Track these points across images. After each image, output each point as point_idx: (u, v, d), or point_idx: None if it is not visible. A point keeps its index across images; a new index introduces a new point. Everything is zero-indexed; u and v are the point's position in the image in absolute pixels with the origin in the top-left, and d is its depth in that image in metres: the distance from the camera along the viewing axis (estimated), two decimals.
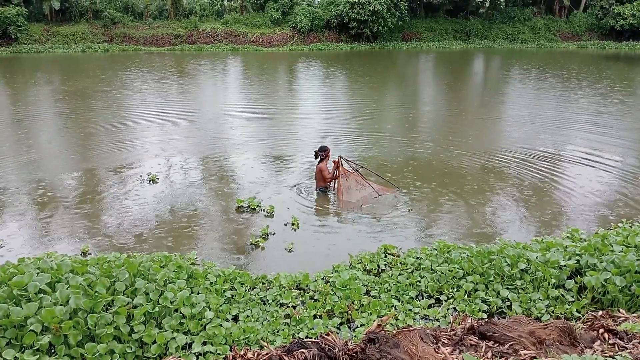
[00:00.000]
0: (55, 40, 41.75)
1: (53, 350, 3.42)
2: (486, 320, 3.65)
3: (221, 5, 49.30)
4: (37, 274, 3.90)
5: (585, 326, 3.60)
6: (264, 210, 7.51)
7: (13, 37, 39.71)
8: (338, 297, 4.61)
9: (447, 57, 39.58)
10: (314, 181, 8.44)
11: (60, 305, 3.57)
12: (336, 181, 8.00)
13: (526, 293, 4.54)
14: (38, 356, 3.27)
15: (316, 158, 8.20)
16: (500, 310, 4.49)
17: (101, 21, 43.78)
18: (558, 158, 10.46)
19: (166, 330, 3.81)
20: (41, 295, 3.67)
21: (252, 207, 7.57)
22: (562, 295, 4.46)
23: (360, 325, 4.25)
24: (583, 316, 4.13)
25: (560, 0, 54.26)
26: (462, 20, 53.01)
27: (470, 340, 3.08)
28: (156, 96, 18.98)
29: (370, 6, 43.17)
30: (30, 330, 3.35)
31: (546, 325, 3.19)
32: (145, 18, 46.22)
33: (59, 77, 25.27)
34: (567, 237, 5.90)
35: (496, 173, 9.36)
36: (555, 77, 25.11)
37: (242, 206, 7.66)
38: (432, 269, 5.10)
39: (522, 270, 4.74)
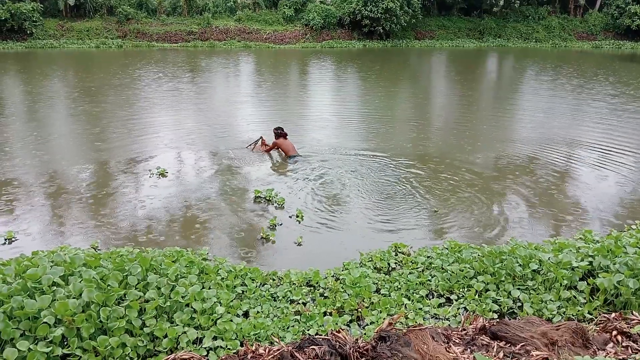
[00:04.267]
0: (70, 35, 42.06)
1: (66, 343, 3.45)
2: (498, 320, 3.63)
3: (234, 2, 49.35)
4: (51, 267, 3.94)
5: (598, 328, 3.57)
6: (276, 202, 7.59)
7: (28, 32, 40.06)
8: (348, 294, 4.61)
9: (461, 55, 39.34)
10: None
11: (73, 298, 3.61)
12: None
13: (538, 294, 4.50)
14: (51, 348, 3.31)
15: (277, 137, 10.22)
16: (511, 310, 4.46)
17: (115, 17, 44.05)
18: (572, 157, 10.36)
19: (177, 325, 3.83)
20: (55, 288, 3.72)
21: (268, 198, 7.67)
22: (574, 296, 4.42)
23: (370, 323, 4.24)
24: (595, 318, 4.09)
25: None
26: (475, 18, 52.66)
27: (482, 340, 3.07)
28: (168, 91, 19.07)
29: (383, 4, 43.02)
30: (44, 322, 3.39)
31: (558, 326, 3.17)
32: (158, 14, 46.43)
33: (73, 72, 25.47)
34: (580, 238, 5.85)
35: (509, 171, 9.30)
36: (570, 76, 24.87)
37: (259, 197, 7.77)
38: (442, 268, 5.09)
39: (533, 270, 4.70)
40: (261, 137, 10.70)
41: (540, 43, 49.45)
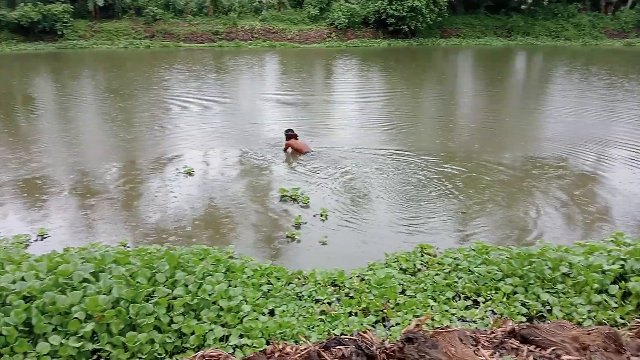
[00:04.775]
0: (99, 36, 42.84)
1: (96, 338, 3.52)
2: (528, 324, 3.57)
3: (259, 2, 49.58)
4: (82, 263, 4.03)
5: (632, 333, 3.48)
6: (301, 201, 7.61)
7: (59, 33, 40.98)
8: (373, 295, 4.59)
9: (488, 54, 38.81)
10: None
11: (104, 294, 3.68)
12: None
13: (567, 297, 4.41)
14: (82, 343, 3.38)
15: (288, 139, 10.55)
16: (540, 314, 4.39)
17: (143, 18, 44.69)
18: (604, 156, 10.12)
19: (204, 322, 3.87)
20: (85, 284, 3.79)
21: (294, 197, 7.69)
22: (605, 300, 4.32)
23: (396, 324, 4.22)
24: (628, 323, 3.99)
25: None
26: (503, 16, 51.79)
27: (511, 343, 3.02)
28: (195, 90, 19.28)
29: (408, 2, 42.69)
30: (75, 317, 3.46)
31: (590, 331, 3.10)
32: (185, 15, 46.95)
33: (102, 72, 25.96)
34: (611, 240, 5.72)
35: (538, 171, 9.12)
36: (602, 74, 24.33)
37: (285, 195, 7.79)
38: (469, 270, 5.02)
39: (563, 274, 4.61)
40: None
41: (570, 41, 48.41)
